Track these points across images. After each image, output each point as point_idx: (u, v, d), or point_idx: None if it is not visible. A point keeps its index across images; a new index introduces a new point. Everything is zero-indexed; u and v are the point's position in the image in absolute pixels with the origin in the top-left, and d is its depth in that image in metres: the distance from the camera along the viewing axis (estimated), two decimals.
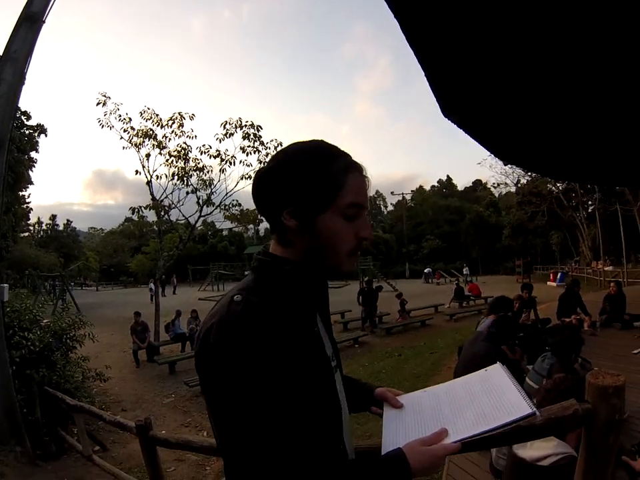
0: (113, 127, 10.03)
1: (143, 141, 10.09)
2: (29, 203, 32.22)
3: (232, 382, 0.67)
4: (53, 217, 52.55)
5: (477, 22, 2.18)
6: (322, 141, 0.82)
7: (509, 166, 31.12)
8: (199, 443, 2.14)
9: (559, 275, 24.08)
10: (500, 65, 2.72)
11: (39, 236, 49.44)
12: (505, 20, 2.14)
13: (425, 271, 34.39)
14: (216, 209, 10.81)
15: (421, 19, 2.04)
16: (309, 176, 0.75)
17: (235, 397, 0.67)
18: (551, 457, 1.68)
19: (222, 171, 10.46)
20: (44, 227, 52.01)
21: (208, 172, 10.53)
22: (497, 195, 52.41)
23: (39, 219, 50.78)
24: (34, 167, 28.41)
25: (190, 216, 10.89)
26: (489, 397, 0.86)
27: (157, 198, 10.51)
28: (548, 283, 23.57)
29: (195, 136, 10.29)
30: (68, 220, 54.54)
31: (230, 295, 0.76)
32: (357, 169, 0.80)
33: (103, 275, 49.03)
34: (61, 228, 52.92)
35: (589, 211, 31.87)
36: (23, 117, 26.18)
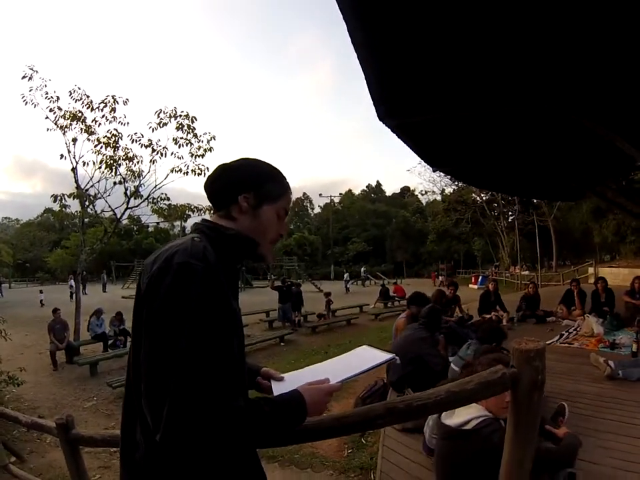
0: (37, 104, 9.24)
1: (70, 124, 9.37)
2: None
3: (189, 299, 0.80)
4: None
5: (418, 27, 2.31)
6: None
7: (437, 174, 33.06)
8: None
9: (480, 278, 25.73)
10: (438, 71, 2.90)
11: None
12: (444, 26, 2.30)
13: (345, 276, 29.58)
14: (144, 201, 10.29)
15: (365, 18, 2.14)
16: (272, 177, 1.07)
17: (188, 310, 0.79)
18: (472, 421, 1.88)
19: (152, 162, 9.99)
20: None
21: (138, 162, 9.97)
22: (424, 202, 54.94)
23: None
24: None
25: (116, 208, 10.28)
26: (358, 359, 1.14)
27: (82, 187, 9.81)
28: (470, 285, 25.05)
29: (127, 122, 9.71)
30: None
31: (186, 238, 0.94)
32: (290, 189, 1.12)
33: (17, 271, 44.92)
34: None
35: (509, 220, 34.77)
36: None
